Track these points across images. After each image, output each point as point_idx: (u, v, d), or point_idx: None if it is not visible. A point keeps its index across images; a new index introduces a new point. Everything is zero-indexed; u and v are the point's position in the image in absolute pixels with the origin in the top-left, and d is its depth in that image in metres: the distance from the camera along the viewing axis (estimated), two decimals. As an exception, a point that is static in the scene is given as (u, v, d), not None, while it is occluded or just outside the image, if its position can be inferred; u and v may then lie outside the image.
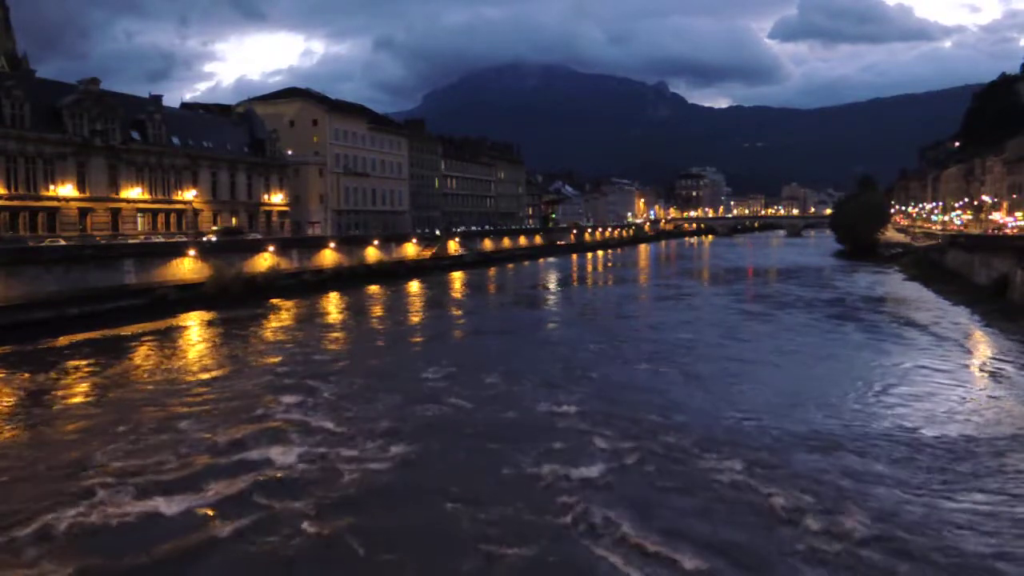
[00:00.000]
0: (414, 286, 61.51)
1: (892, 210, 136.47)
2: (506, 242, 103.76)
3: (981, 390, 23.59)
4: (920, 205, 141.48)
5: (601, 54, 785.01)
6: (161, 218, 60.08)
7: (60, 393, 23.88)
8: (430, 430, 19.38)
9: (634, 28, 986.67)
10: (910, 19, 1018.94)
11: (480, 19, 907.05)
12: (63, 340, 32.93)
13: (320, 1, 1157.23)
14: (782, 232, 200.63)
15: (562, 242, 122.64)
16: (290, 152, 78.10)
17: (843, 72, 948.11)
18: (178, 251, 48.85)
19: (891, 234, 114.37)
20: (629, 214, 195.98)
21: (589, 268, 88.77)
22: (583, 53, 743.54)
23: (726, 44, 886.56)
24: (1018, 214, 79.19)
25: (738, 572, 11.93)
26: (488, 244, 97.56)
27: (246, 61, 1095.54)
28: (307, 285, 56.16)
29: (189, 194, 62.07)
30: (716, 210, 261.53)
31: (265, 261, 55.75)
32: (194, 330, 37.90)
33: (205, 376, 26.33)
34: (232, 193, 68.31)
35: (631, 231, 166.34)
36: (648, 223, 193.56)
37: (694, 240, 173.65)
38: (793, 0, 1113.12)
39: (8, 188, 48.43)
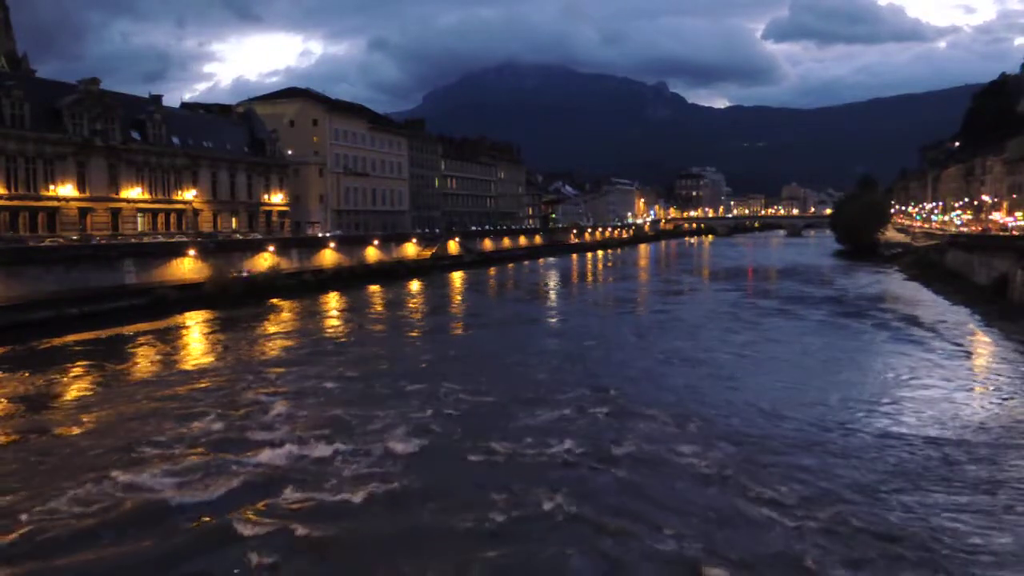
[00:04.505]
0: (415, 286, 61.57)
1: (892, 210, 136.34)
2: (506, 242, 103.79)
3: (981, 390, 23.59)
4: (920, 205, 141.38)
5: (597, 54, 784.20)
6: (161, 218, 60.04)
7: (61, 393, 23.87)
8: (444, 404, 19.57)
9: (627, 29, 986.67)
10: (902, 20, 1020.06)
11: (475, 19, 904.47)
12: (63, 340, 32.92)
13: (318, 2, 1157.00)
14: (782, 232, 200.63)
15: (562, 242, 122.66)
16: (290, 152, 78.05)
17: (839, 72, 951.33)
18: (178, 251, 48.91)
19: (891, 234, 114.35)
20: (629, 214, 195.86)
21: (589, 268, 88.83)
22: (578, 53, 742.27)
23: (721, 44, 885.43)
24: (1018, 214, 79.13)
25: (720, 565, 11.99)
26: (488, 244, 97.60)
27: (244, 62, 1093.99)
28: (307, 285, 56.13)
29: (189, 194, 62.04)
30: (716, 210, 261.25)
31: (265, 261, 55.80)
32: (195, 330, 37.91)
33: (207, 373, 26.29)
34: (232, 193, 68.28)
35: (631, 231, 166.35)
36: (648, 223, 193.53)
37: (694, 240, 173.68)
38: (784, 1, 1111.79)
39: (8, 188, 48.39)
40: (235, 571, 12.15)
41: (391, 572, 12.10)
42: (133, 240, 52.84)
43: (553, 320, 42.58)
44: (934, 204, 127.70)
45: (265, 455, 17.15)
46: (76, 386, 24.87)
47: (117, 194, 56.03)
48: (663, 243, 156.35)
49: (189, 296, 45.76)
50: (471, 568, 12.11)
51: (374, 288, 58.54)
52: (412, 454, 17.33)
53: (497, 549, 12.74)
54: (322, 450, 17.47)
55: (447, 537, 13.18)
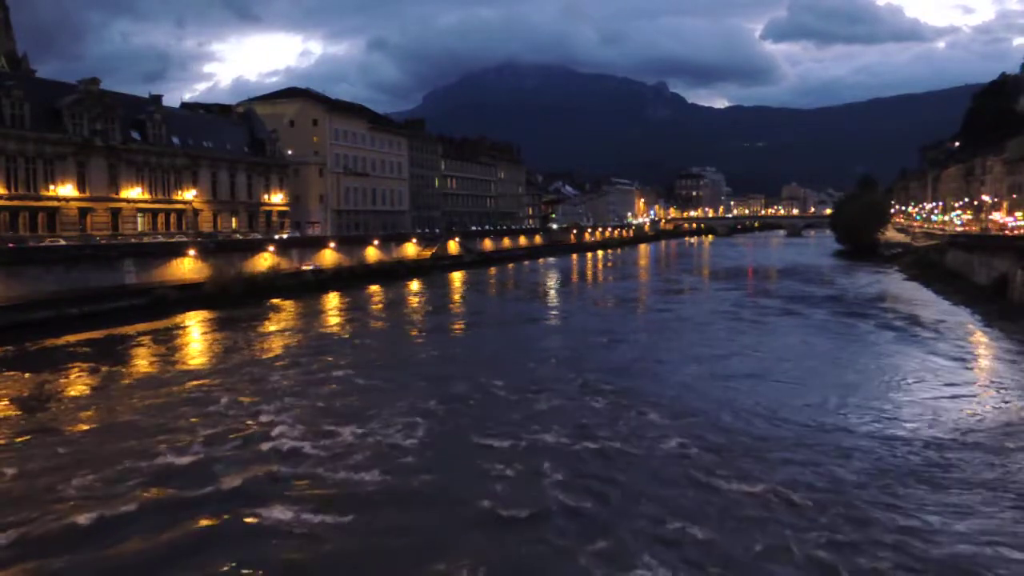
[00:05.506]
0: (415, 286, 61.56)
1: (892, 210, 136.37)
2: (506, 242, 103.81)
3: (982, 390, 23.58)
4: (920, 205, 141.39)
5: (596, 54, 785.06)
6: (161, 218, 60.03)
7: (62, 392, 23.85)
8: (451, 393, 19.60)
9: (627, 29, 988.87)
10: (901, 20, 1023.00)
11: (475, 19, 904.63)
12: (63, 340, 32.90)
13: (318, 2, 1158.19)
14: (782, 232, 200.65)
15: (562, 242, 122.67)
16: (290, 152, 78.05)
17: (838, 73, 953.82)
18: (178, 251, 48.91)
19: (891, 234, 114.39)
20: (629, 214, 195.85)
21: (589, 268, 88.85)
22: (578, 53, 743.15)
23: (721, 44, 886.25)
24: (1018, 214, 79.14)
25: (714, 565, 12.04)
26: (488, 244, 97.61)
27: (244, 62, 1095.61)
28: (307, 285, 56.10)
29: (189, 194, 62.03)
30: (716, 210, 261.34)
31: (265, 261, 55.79)
32: (195, 329, 37.90)
33: (208, 372, 26.29)
34: (232, 193, 68.30)
35: (631, 231, 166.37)
36: (648, 223, 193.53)
37: (694, 240, 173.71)
38: (782, 1, 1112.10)
39: (8, 188, 48.38)
40: (241, 565, 12.18)
41: (398, 559, 12.27)
42: (133, 240, 52.85)
43: (553, 319, 42.63)
44: (934, 204, 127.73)
45: (269, 449, 17.33)
46: (77, 385, 24.86)
47: (117, 194, 56.04)
48: (663, 243, 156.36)
49: (189, 296, 45.75)
50: (472, 555, 12.31)
51: (374, 288, 58.53)
52: (414, 448, 17.58)
53: (495, 538, 13.05)
54: (325, 444, 17.69)
55: (449, 525, 13.57)
